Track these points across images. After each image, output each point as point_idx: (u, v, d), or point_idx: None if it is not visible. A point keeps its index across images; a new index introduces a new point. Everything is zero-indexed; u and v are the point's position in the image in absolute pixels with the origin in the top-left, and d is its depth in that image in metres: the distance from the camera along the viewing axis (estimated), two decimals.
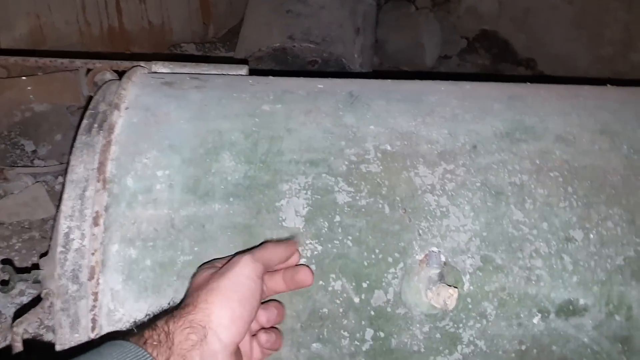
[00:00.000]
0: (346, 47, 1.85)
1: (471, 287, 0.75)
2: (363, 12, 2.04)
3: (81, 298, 0.67)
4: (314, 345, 0.73)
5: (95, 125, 0.77)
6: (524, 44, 2.53)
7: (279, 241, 0.73)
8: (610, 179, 0.82)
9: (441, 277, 0.74)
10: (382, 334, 0.74)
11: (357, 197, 0.77)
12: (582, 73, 2.27)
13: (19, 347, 0.70)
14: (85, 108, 0.80)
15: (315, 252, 0.74)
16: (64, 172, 0.71)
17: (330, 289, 0.73)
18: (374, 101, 0.88)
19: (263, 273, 0.67)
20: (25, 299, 1.40)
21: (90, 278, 0.68)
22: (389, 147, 0.81)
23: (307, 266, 0.72)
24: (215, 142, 0.78)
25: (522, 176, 0.80)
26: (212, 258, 0.72)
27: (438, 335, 0.75)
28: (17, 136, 1.78)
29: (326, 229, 0.75)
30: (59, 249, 0.67)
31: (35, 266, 0.79)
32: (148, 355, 0.56)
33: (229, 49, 2.23)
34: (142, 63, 0.96)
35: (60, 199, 0.70)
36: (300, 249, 0.73)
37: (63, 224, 0.69)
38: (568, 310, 0.76)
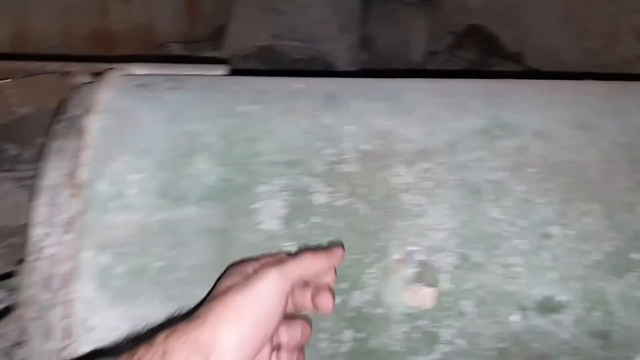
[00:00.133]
0: (333, 45, 1.84)
1: (450, 286, 0.75)
2: (349, 9, 2.04)
3: (53, 306, 0.67)
4: None
5: (67, 130, 0.76)
6: (512, 38, 2.52)
7: (321, 250, 0.67)
8: (588, 174, 0.81)
9: (419, 277, 0.74)
10: (361, 335, 0.74)
11: (335, 198, 0.76)
12: (570, 66, 2.27)
13: None
14: (58, 112, 0.79)
15: None
16: (35, 178, 0.70)
17: None
18: (353, 100, 0.88)
19: (290, 291, 0.62)
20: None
21: (63, 286, 0.67)
22: (367, 147, 0.81)
23: (331, 291, 0.66)
24: (190, 144, 0.78)
25: (500, 173, 0.80)
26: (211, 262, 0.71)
27: (417, 335, 0.75)
28: None
29: (304, 231, 0.74)
30: (30, 257, 0.67)
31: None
32: None
33: (216, 48, 2.22)
34: (119, 65, 0.95)
35: (31, 206, 0.69)
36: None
37: (34, 232, 0.68)
38: (547, 306, 0.76)
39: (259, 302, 0.58)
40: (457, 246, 0.76)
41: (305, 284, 0.66)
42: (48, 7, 2.15)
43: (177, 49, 2.32)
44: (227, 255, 0.72)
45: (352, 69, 1.89)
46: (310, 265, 0.64)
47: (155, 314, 0.70)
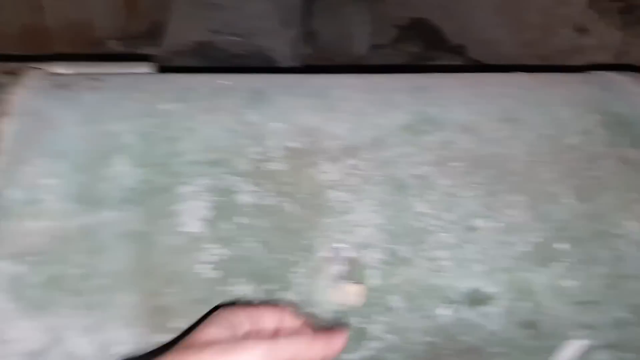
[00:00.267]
0: (273, 40, 1.82)
1: (378, 282, 0.74)
2: (290, 3, 2.02)
3: None
4: None
5: None
6: (453, 31, 2.55)
7: (321, 334, 0.62)
8: (513, 166, 0.82)
9: (346, 274, 0.73)
10: None
11: (261, 197, 0.75)
12: (509, 58, 2.31)
13: None
14: None
15: (219, 257, 0.72)
16: None
17: (236, 293, 0.71)
18: (279, 97, 0.86)
19: None
20: None
21: None
22: (293, 144, 0.80)
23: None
24: (108, 145, 0.75)
25: (425, 168, 0.80)
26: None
27: (349, 333, 0.74)
28: None
29: (230, 232, 0.73)
30: None
31: None
32: None
33: (154, 44, 2.16)
34: (37, 64, 0.91)
35: None
36: (203, 254, 0.71)
37: None
38: (474, 299, 0.77)
39: None
40: (384, 242, 0.75)
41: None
42: None
43: (114, 46, 2.25)
44: (148, 259, 0.70)
45: (294, 64, 1.87)
46: (305, 350, 0.59)
47: (76, 324, 0.68)
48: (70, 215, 0.70)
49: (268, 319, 0.64)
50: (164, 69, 0.99)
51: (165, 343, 0.67)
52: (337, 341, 0.62)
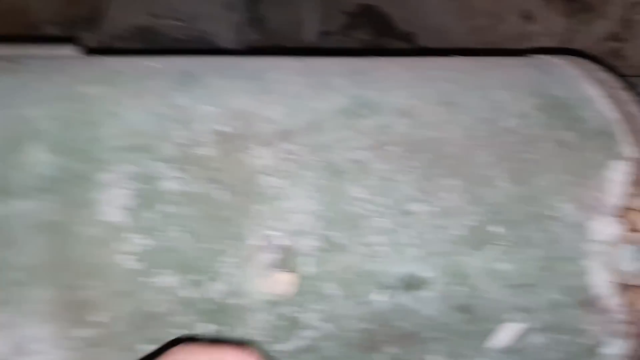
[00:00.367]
0: (215, 25, 1.77)
1: (312, 269, 0.72)
2: None
3: None
4: (145, 347, 0.68)
5: None
6: (403, 18, 2.54)
7: None
8: (450, 150, 0.81)
9: (279, 262, 0.71)
10: (219, 328, 0.70)
11: (188, 184, 0.71)
12: (458, 44, 2.32)
13: None
14: None
15: (143, 248, 0.68)
16: None
17: (161, 285, 0.68)
18: (212, 80, 0.83)
19: None
20: None
21: None
22: (224, 129, 0.76)
23: None
24: (22, 131, 0.70)
25: (362, 152, 0.78)
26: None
27: (281, 323, 0.72)
28: None
29: (154, 221, 0.69)
30: None
31: None
32: None
33: (93, 28, 2.08)
34: None
35: None
36: (124, 245, 0.67)
37: None
38: (410, 284, 0.76)
39: None
40: (319, 228, 0.73)
41: None
42: None
43: (51, 30, 2.15)
44: (65, 251, 0.65)
45: (238, 48, 1.83)
46: None
47: None
48: None
49: None
50: (94, 51, 0.94)
51: None
52: None
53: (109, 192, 0.68)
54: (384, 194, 0.76)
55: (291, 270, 0.70)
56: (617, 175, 0.84)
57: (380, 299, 0.75)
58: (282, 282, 0.69)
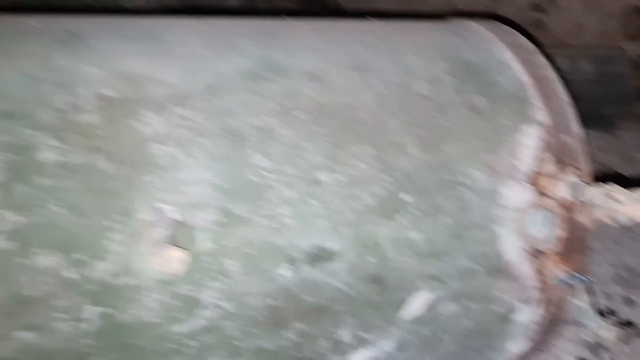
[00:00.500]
0: None
1: (210, 245, 0.67)
2: None
3: None
4: (23, 334, 0.61)
5: None
6: None
7: None
8: (360, 116, 0.77)
9: (172, 238, 0.65)
10: (108, 311, 0.64)
11: (69, 154, 0.64)
12: (384, 9, 2.29)
13: None
14: None
15: (17, 226, 0.61)
16: None
17: (38, 267, 0.61)
18: (100, 40, 0.75)
19: None
20: None
21: None
22: (111, 93, 0.69)
23: None
24: None
25: (266, 118, 0.73)
26: None
27: (176, 303, 0.67)
28: None
29: (28, 196, 0.62)
30: None
31: None
32: None
33: None
34: None
35: None
36: None
37: None
38: (318, 257, 0.72)
39: None
40: (218, 200, 0.68)
41: None
42: None
43: None
44: None
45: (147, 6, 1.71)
46: None
47: None
48: None
49: None
50: None
51: None
52: None
53: None
54: (290, 163, 0.72)
55: (186, 246, 0.65)
56: (528, 141, 0.83)
57: (286, 273, 0.71)
58: (175, 260, 0.64)
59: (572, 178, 0.79)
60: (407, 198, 0.76)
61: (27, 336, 0.62)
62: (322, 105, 0.76)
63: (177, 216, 0.66)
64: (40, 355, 0.63)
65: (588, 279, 0.85)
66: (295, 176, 0.72)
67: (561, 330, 0.93)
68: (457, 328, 0.83)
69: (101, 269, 0.63)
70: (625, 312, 1.41)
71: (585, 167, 0.86)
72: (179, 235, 0.66)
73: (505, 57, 0.90)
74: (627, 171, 2.01)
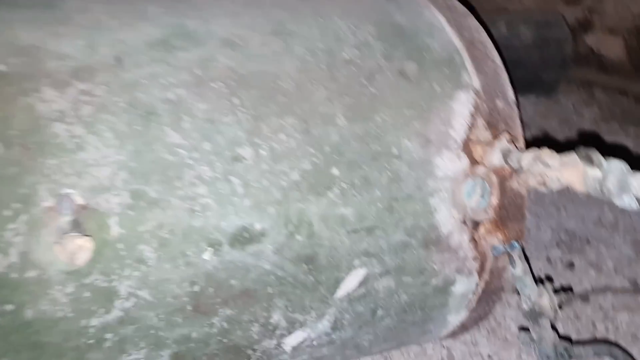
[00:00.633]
0: None
1: (121, 231, 0.62)
2: None
3: None
4: None
5: None
6: None
7: None
8: (282, 85, 0.73)
9: (76, 225, 0.59)
10: (10, 307, 0.59)
11: None
12: None
13: None
14: None
15: None
16: None
17: None
18: None
19: None
20: None
21: None
22: (2, 68, 0.62)
23: None
24: None
25: (178, 90, 0.67)
26: None
27: (87, 294, 0.61)
28: None
29: None
30: None
31: None
32: None
33: None
34: None
35: None
36: None
37: None
38: (243, 238, 0.67)
39: None
40: (128, 182, 0.63)
41: None
42: None
43: None
44: None
45: None
46: None
47: None
48: None
49: None
50: None
51: None
52: None
53: None
54: (207, 139, 0.67)
55: (95, 234, 0.60)
56: (461, 107, 0.80)
57: (209, 258, 0.66)
58: (82, 249, 0.58)
59: (506, 144, 0.77)
60: (336, 172, 0.72)
61: None
62: (240, 75, 0.71)
63: (84, 201, 0.60)
64: None
65: (523, 246, 0.84)
66: (214, 153, 0.67)
67: (500, 298, 0.92)
68: (394, 303, 0.80)
69: (1, 263, 0.57)
70: (566, 276, 1.43)
71: (519, 132, 0.84)
72: (87, 222, 0.60)
73: (437, 19, 0.87)
74: (566, 135, 2.04)
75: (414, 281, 0.80)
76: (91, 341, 0.63)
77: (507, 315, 1.27)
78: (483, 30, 0.91)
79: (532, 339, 0.89)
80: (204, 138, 0.67)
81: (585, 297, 1.36)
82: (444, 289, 0.83)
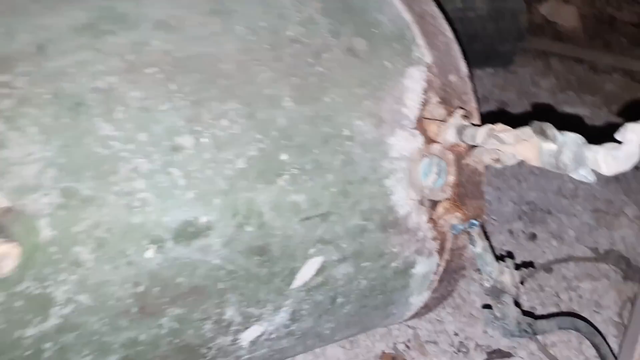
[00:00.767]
0: None
1: (52, 232, 0.57)
2: None
3: None
4: None
5: None
6: None
7: None
8: (223, 68, 0.68)
9: (0, 230, 0.55)
10: None
11: None
12: None
13: None
14: None
15: None
16: None
17: None
18: None
19: None
20: None
21: None
22: None
23: None
24: None
25: (109, 78, 0.62)
26: None
27: (20, 303, 0.57)
28: None
29: None
30: None
31: None
32: None
33: None
34: None
35: None
36: None
37: None
38: (188, 233, 0.63)
39: None
40: (57, 180, 0.58)
41: None
42: None
43: None
44: None
45: None
46: None
47: None
48: None
49: None
50: None
51: None
52: None
53: None
54: (142, 129, 0.62)
55: (21, 238, 0.55)
56: (414, 84, 0.77)
57: (151, 256, 0.62)
58: (7, 255, 0.54)
59: (460, 121, 0.74)
60: (285, 157, 0.68)
61: None
62: (177, 59, 0.66)
63: (8, 203, 0.55)
64: None
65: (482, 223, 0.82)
66: (151, 144, 0.62)
67: (462, 276, 0.90)
68: (354, 289, 0.78)
69: None
70: (529, 248, 1.43)
71: (474, 107, 0.81)
72: (12, 225, 0.55)
73: None
74: (524, 106, 2.04)
75: (373, 265, 0.77)
76: (28, 352, 0.59)
77: (472, 291, 1.27)
78: (433, 3, 0.87)
79: (495, 317, 0.88)
80: (139, 128, 0.62)
81: (548, 268, 1.37)
82: (405, 271, 0.81)
